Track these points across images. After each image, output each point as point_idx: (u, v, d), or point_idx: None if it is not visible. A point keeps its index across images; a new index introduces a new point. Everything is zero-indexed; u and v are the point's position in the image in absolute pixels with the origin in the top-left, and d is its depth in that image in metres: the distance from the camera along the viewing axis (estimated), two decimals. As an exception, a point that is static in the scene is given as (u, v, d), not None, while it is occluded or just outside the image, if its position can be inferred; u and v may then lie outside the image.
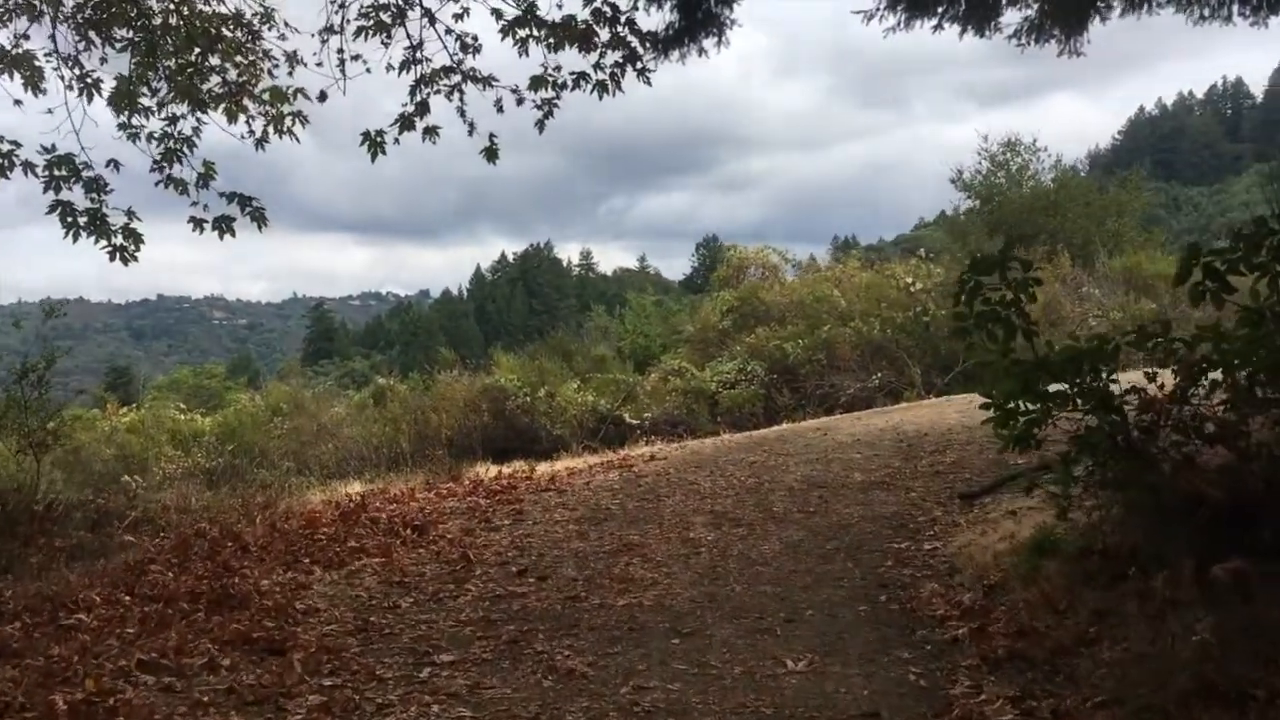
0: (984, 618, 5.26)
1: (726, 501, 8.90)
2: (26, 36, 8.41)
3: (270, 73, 8.85)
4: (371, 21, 8.02)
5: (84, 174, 8.16)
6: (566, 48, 7.88)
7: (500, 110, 8.13)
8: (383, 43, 8.08)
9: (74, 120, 8.13)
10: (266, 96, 8.81)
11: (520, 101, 8.08)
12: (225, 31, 8.76)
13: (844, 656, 5.05)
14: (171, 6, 8.47)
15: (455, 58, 8.14)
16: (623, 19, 7.85)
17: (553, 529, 8.33)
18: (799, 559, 6.96)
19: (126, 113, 8.60)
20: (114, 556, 7.91)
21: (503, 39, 7.90)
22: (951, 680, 4.60)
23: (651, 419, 19.36)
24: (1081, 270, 22.98)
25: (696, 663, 5.05)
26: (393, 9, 8.00)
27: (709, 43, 8.39)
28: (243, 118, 8.76)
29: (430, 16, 8.05)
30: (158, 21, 8.57)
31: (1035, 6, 8.42)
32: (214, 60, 8.69)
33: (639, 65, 7.98)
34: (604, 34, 7.84)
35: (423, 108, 8.17)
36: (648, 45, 8.09)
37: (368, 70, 8.15)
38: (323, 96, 8.42)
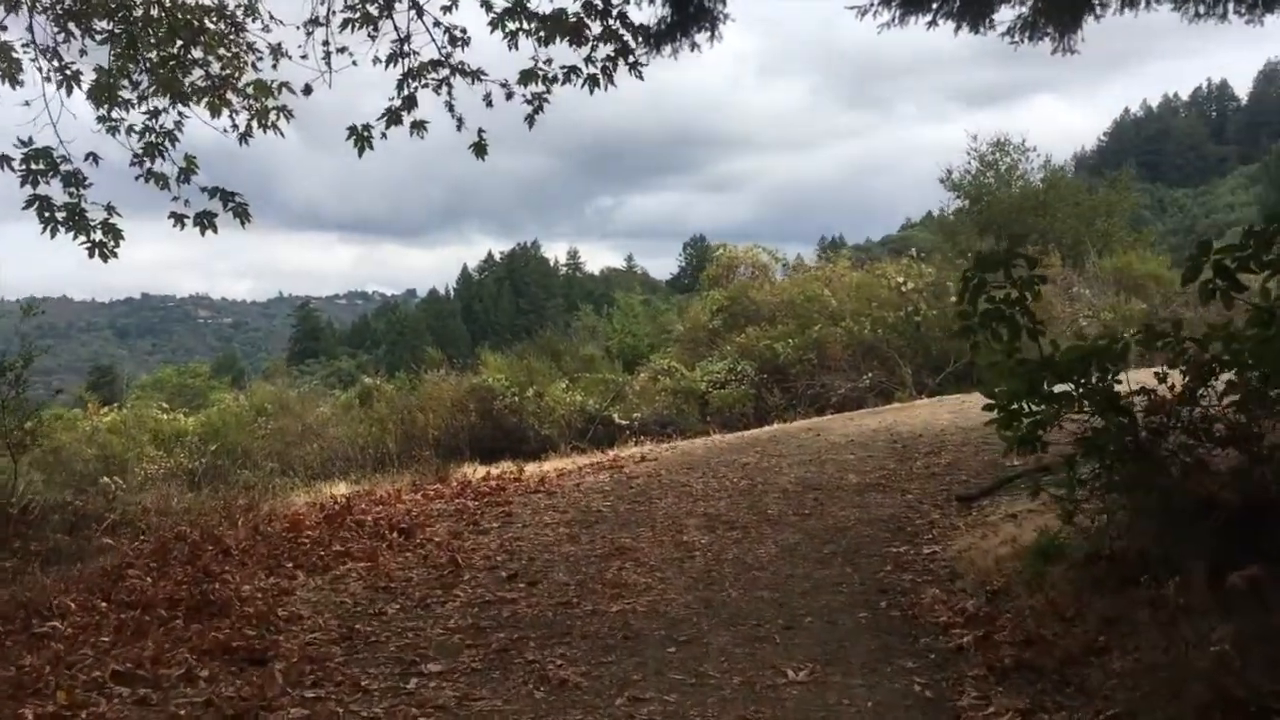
0: (989, 625, 5.11)
1: (720, 504, 8.74)
2: (4, 27, 8.26)
3: (254, 66, 8.73)
4: (358, 13, 7.88)
5: (62, 168, 7.99)
6: (557, 41, 7.74)
7: (489, 105, 7.97)
8: (369, 35, 7.93)
9: (51, 113, 7.95)
10: (250, 90, 8.68)
11: (510, 96, 7.92)
12: (208, 23, 8.61)
13: (845, 666, 4.89)
14: (152, -3, 8.29)
15: (443, 51, 7.99)
16: (614, 12, 7.71)
17: (542, 532, 8.16)
18: (796, 563, 6.80)
19: (106, 106, 8.41)
20: (91, 560, 7.70)
21: (492, 32, 7.77)
22: (958, 691, 4.44)
23: (641, 419, 19.19)
24: (1072, 270, 22.97)
25: (693, 672, 4.88)
26: (379, 0, 7.83)
27: (701, 37, 8.26)
28: (226, 112, 8.62)
29: (418, 8, 7.89)
30: (138, 13, 8.41)
31: (1029, 3, 8.32)
32: (196, 53, 8.54)
33: (631, 59, 7.84)
34: (595, 27, 7.71)
35: (410, 102, 8.00)
36: (640, 39, 7.95)
37: (354, 63, 8.01)
38: (308, 90, 8.28)
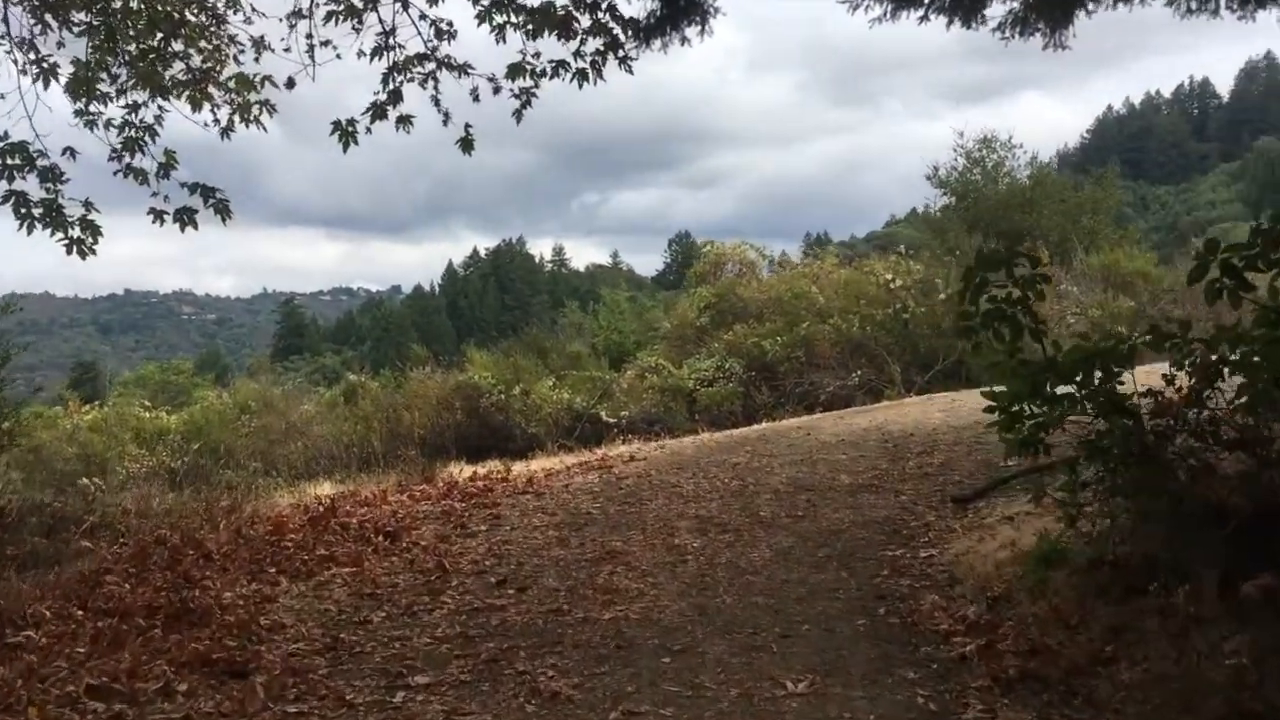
0: (991, 633, 4.98)
1: (711, 505, 8.60)
2: (-22, 19, 8.00)
3: (236, 59, 8.55)
4: (342, 6, 7.69)
5: (39, 163, 7.82)
6: (545, 35, 7.58)
7: (476, 99, 7.81)
8: (354, 28, 7.74)
9: (27, 106, 7.78)
10: (232, 84, 8.50)
11: (497, 90, 7.76)
12: (189, 15, 8.41)
13: (845, 676, 4.75)
14: (132, -12, 8.09)
15: (429, 44, 7.81)
16: (604, 5, 7.54)
17: (531, 535, 8.01)
18: (790, 568, 6.66)
19: (84, 99, 8.22)
20: (69, 565, 7.51)
21: (479, 25, 7.59)
22: (963, 704, 4.31)
23: (628, 417, 19.06)
24: (1059, 267, 22.90)
25: (689, 684, 4.73)
26: (364, -8, 7.66)
27: (691, 31, 8.09)
28: (207, 106, 8.43)
29: (403, 1, 7.71)
30: (117, 4, 8.20)
31: (1021, -1, 8.22)
32: (177, 45, 8.35)
33: (621, 53, 7.68)
34: (584, 20, 7.54)
35: (395, 96, 7.82)
36: (629, 33, 7.78)
37: (338, 56, 7.83)
38: (290, 84, 8.11)
